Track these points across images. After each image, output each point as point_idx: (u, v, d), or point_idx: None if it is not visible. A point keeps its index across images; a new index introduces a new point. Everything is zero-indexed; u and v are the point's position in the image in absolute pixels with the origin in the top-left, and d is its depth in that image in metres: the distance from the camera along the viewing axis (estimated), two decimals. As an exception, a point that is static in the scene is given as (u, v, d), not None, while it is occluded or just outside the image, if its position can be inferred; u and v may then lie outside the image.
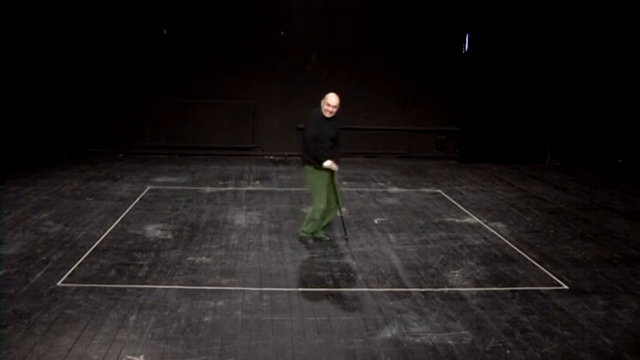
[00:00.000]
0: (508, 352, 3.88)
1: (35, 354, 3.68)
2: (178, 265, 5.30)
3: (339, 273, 5.22)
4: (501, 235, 6.49)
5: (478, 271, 5.37)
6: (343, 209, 7.43)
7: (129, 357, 3.68)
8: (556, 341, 4.04)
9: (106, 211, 7.04)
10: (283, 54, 11.00)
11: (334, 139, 5.69)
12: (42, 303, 4.40)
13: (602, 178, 9.88)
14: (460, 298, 4.75)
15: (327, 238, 6.12)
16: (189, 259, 5.47)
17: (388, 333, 4.09)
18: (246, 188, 8.49)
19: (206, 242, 5.98)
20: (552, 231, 6.70)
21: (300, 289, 4.84)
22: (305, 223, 6.06)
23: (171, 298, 4.58)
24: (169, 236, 6.15)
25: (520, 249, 6.01)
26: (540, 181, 9.58)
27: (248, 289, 4.80)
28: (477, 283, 5.07)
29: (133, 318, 4.21)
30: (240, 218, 6.89)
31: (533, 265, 5.56)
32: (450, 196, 8.26)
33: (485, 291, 4.90)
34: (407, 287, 4.94)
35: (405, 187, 8.87)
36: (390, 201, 7.96)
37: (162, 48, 10.82)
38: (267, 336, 4.01)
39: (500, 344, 3.98)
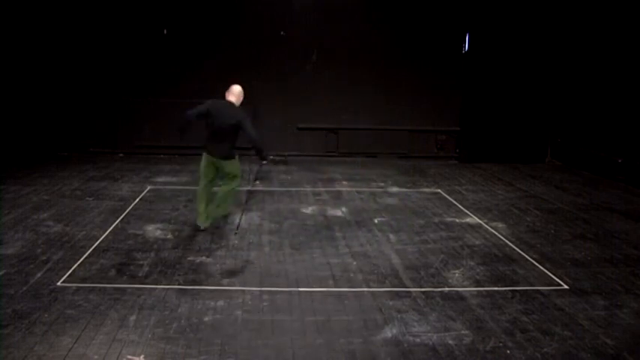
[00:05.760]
0: (508, 352, 3.88)
1: (35, 354, 3.67)
2: (178, 265, 5.30)
3: (339, 273, 5.22)
4: (501, 235, 6.49)
5: (478, 270, 5.36)
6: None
7: (129, 357, 3.68)
8: (556, 341, 4.04)
9: (106, 211, 7.04)
10: (283, 54, 11.00)
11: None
12: (42, 303, 4.40)
13: (602, 178, 9.87)
14: (460, 297, 4.74)
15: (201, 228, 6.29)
16: (189, 259, 5.47)
17: (388, 333, 4.09)
18: (246, 188, 8.48)
19: (206, 242, 5.98)
20: (552, 231, 6.70)
21: (300, 289, 4.84)
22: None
23: (171, 298, 4.58)
24: (169, 236, 6.15)
25: (520, 249, 6.01)
26: (540, 181, 9.57)
27: (248, 289, 4.80)
28: (477, 283, 5.07)
29: (133, 318, 4.20)
30: (241, 218, 6.88)
31: (534, 265, 5.56)
32: (450, 196, 8.26)
33: (486, 291, 4.90)
34: (407, 287, 4.94)
35: (405, 187, 8.86)
36: (390, 201, 7.96)
37: (163, 48, 10.82)
38: (267, 336, 4.01)
39: (501, 344, 3.98)
